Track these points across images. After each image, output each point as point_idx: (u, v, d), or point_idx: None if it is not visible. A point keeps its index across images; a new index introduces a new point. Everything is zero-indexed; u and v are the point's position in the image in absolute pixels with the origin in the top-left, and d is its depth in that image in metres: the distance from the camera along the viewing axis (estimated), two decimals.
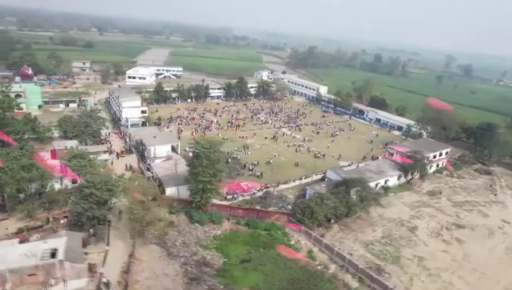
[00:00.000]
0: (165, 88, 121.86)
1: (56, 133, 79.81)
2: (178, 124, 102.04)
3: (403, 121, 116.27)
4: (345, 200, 56.24)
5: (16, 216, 50.85)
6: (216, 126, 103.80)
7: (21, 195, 52.82)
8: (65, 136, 77.36)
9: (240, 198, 62.99)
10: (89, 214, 46.00)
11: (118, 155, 74.67)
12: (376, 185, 69.35)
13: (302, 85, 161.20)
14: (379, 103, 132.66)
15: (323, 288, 44.87)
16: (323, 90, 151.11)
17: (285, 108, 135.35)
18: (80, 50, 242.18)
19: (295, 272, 47.30)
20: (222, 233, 54.92)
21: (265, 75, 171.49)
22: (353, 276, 47.00)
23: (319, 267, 48.90)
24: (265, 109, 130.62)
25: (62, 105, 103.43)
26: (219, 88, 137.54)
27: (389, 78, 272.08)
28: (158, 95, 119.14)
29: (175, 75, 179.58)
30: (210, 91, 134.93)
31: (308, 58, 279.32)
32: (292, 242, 53.55)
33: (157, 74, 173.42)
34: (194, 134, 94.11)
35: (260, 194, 64.40)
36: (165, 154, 69.78)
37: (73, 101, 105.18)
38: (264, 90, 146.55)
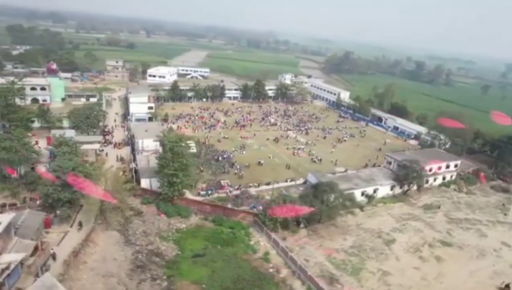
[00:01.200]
0: (181, 87, 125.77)
1: (66, 123, 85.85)
2: (186, 122, 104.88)
3: (421, 130, 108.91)
4: (312, 204, 54.02)
5: (2, 194, 55.78)
6: (221, 126, 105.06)
7: (13, 176, 57.77)
8: (73, 126, 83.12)
9: (216, 195, 63.27)
10: (54, 196, 49.06)
11: (115, 146, 78.72)
12: (363, 193, 65.82)
13: (324, 90, 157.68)
14: (399, 111, 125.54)
15: None
16: (345, 95, 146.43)
17: (301, 112, 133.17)
18: (122, 50, 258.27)
19: (245, 272, 46.41)
20: (186, 227, 55.51)
21: (288, 78, 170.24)
22: (303, 283, 45.04)
23: (271, 270, 47.51)
24: (279, 112, 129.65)
25: (83, 99, 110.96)
26: (236, 89, 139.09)
27: (429, 86, 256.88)
28: (174, 94, 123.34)
29: (202, 76, 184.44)
30: (227, 92, 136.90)
31: (342, 63, 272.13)
32: (252, 242, 52.61)
33: (184, 74, 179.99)
34: (195, 132, 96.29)
35: (237, 192, 64.10)
36: (153, 147, 72.14)
37: (94, 96, 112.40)
38: (282, 93, 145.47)
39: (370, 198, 64.73)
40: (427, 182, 76.28)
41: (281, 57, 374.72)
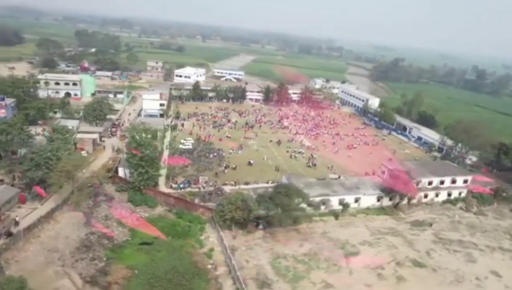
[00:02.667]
0: (203, 88, 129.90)
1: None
2: (197, 120, 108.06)
3: (446, 141, 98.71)
4: (267, 206, 52.24)
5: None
6: (230, 126, 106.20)
7: (14, 156, 65.04)
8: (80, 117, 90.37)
9: (188, 189, 64.36)
10: (29, 175, 54.25)
11: (120, 137, 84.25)
12: (340, 202, 61.83)
13: (353, 96, 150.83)
14: (427, 120, 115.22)
15: (195, 285, 43.30)
16: (373, 102, 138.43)
17: (322, 117, 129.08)
18: (171, 53, 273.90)
19: (182, 265, 46.54)
20: (149, 216, 57.32)
21: (319, 83, 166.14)
22: (234, 282, 43.87)
23: (209, 266, 47.08)
24: (298, 115, 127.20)
25: (111, 95, 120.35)
26: (258, 92, 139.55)
27: (489, 98, 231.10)
28: (195, 93, 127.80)
29: (236, 78, 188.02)
30: (249, 94, 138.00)
31: (389, 70, 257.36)
32: (202, 237, 52.60)
33: (219, 77, 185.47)
34: (202, 130, 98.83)
35: (211, 189, 64.45)
36: None
37: (121, 93, 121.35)
38: (307, 97, 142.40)
39: (345, 206, 60.52)
40: (425, 196, 69.18)
41: (330, 63, 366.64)
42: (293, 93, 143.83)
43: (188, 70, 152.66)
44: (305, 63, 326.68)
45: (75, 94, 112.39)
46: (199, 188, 64.58)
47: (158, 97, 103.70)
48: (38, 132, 67.62)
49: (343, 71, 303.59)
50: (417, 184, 67.66)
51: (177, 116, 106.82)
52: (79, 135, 74.43)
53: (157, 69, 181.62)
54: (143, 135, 56.93)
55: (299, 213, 55.51)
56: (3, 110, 69.36)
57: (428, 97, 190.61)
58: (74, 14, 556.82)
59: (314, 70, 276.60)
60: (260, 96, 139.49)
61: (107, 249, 48.29)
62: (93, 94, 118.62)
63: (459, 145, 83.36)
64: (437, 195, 70.06)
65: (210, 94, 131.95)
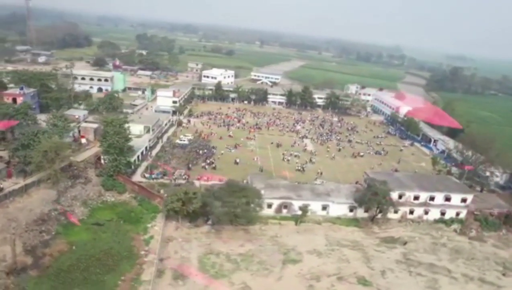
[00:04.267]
0: (224, 88, 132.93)
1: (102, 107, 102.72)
2: (209, 118, 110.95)
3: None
4: (209, 201, 51.82)
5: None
6: (239, 126, 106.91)
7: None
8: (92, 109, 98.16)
9: (160, 180, 66.63)
10: (16, 154, 61.26)
11: None
12: (304, 207, 58.54)
13: (384, 103, 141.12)
14: (456, 132, 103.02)
15: (119, 267, 44.86)
16: (405, 110, 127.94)
17: (343, 123, 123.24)
18: (220, 57, 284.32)
19: (119, 247, 48.56)
20: (115, 200, 60.72)
21: (353, 89, 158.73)
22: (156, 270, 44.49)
23: (142, 252, 48.33)
24: (316, 120, 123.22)
25: (139, 92, 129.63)
26: (281, 95, 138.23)
27: None
28: (216, 93, 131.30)
29: (272, 82, 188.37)
30: (271, 96, 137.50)
31: (446, 80, 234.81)
32: (149, 225, 54.06)
33: (255, 80, 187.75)
34: (208, 127, 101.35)
35: (181, 182, 65.95)
36: (138, 132, 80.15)
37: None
38: (332, 103, 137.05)
39: (304, 212, 57.18)
40: (411, 212, 62.23)
41: (387, 71, 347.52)
42: (318, 98, 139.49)
43: (214, 72, 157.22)
44: (357, 70, 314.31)
45: (106, 89, 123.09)
46: (171, 180, 66.51)
47: (171, 94, 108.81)
48: (44, 120, 75.66)
49: (397, 80, 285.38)
50: (400, 197, 61.35)
51: (190, 114, 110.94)
52: (83, 125, 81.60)
53: (196, 70, 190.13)
54: (115, 126, 60.54)
55: (253, 214, 54.22)
56: (21, 98, 79.31)
57: (485, 109, 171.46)
58: (148, 21, 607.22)
59: (364, 78, 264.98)
60: (282, 99, 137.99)
61: (59, 225, 52.29)
62: (123, 90, 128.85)
63: (471, 158, 72.88)
64: (426, 213, 62.53)
65: (232, 95, 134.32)
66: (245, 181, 62.83)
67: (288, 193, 59.93)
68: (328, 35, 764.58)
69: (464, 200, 62.91)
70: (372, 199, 57.05)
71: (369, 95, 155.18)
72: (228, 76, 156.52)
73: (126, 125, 64.20)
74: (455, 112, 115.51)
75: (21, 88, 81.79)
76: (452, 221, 62.74)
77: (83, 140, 78.47)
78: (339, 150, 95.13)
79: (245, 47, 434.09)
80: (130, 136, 64.61)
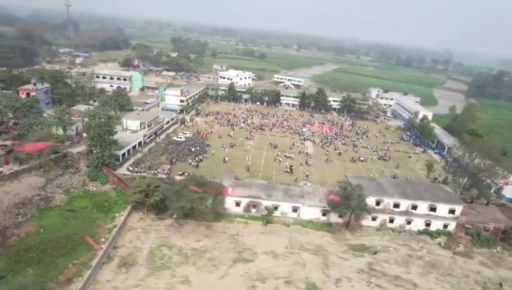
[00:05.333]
0: (237, 89, 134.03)
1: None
2: (215, 118, 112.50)
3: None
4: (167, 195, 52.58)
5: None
6: (243, 126, 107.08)
7: None
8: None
9: (143, 173, 68.70)
10: (14, 143, 66.67)
11: None
12: (271, 208, 57.24)
13: (404, 108, 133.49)
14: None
15: (75, 251, 46.80)
16: (426, 116, 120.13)
17: (356, 127, 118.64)
18: (251, 60, 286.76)
19: (82, 233, 50.18)
20: (96, 190, 63.68)
21: (374, 93, 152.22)
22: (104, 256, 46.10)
23: (102, 239, 50.18)
24: (326, 123, 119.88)
25: (157, 91, 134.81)
26: (294, 97, 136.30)
27: None
28: (229, 94, 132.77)
29: (295, 84, 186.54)
30: (285, 98, 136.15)
31: (487, 86, 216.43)
32: (117, 215, 55.89)
33: (278, 82, 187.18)
34: (210, 127, 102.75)
35: (162, 176, 67.56)
36: (134, 128, 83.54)
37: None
38: (348, 106, 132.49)
39: (269, 212, 55.78)
40: (391, 221, 58.26)
41: (428, 77, 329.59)
42: (333, 101, 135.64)
43: (230, 73, 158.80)
44: (392, 75, 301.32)
45: (124, 88, 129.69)
46: (152, 174, 68.33)
47: (178, 93, 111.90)
48: (50, 114, 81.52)
49: (435, 86, 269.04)
50: (377, 203, 57.76)
51: (198, 113, 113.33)
52: (86, 119, 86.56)
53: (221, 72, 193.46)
54: (99, 120, 63.68)
55: (215, 210, 54.31)
56: (34, 93, 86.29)
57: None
58: (191, 25, 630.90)
59: (397, 82, 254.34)
60: (296, 101, 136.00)
61: (38, 209, 55.94)
62: (141, 89, 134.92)
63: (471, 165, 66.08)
64: (409, 222, 58.18)
65: (245, 96, 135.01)
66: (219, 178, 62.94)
67: (259, 192, 58.96)
68: (371, 39, 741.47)
69: (452, 211, 57.67)
70: (342, 203, 54.28)
71: (391, 99, 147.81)
72: (245, 78, 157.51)
73: (123, 120, 67.30)
74: (475, 119, 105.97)
75: (34, 84, 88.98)
76: (438, 233, 57.75)
77: (85, 134, 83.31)
78: (339, 153, 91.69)
79: (281, 51, 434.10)
80: (115, 130, 67.52)
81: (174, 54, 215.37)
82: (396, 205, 57.77)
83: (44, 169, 64.68)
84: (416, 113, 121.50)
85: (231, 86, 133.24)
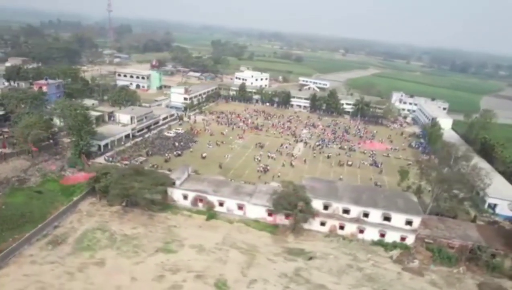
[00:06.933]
0: (248, 90, 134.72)
1: None
2: (217, 117, 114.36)
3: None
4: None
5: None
6: (241, 126, 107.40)
7: None
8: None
9: (117, 163, 72.43)
10: (10, 129, 74.56)
11: None
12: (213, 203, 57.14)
13: (424, 114, 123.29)
14: (486, 152, 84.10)
15: (25, 227, 50.89)
16: (444, 123, 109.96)
17: (364, 132, 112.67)
18: (288, 63, 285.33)
19: (40, 211, 54.78)
20: (71, 176, 68.70)
21: (396, 97, 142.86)
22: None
23: (52, 218, 54.08)
24: (331, 126, 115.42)
25: (182, 90, 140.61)
26: (306, 99, 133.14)
27: None
28: (240, 94, 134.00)
29: (319, 87, 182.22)
30: (296, 100, 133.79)
31: None
32: (75, 198, 59.41)
33: (303, 85, 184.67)
34: (207, 125, 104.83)
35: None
36: (125, 121, 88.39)
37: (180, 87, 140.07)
38: (361, 110, 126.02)
39: (210, 207, 55.46)
40: (341, 227, 54.59)
41: (484, 83, 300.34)
42: (346, 104, 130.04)
43: (246, 74, 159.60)
44: (439, 81, 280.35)
45: (143, 86, 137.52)
46: (125, 164, 71.73)
47: (183, 91, 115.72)
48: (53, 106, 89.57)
49: (486, 93, 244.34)
50: (325, 207, 54.55)
51: (201, 111, 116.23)
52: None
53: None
54: (74, 111, 68.81)
55: (159, 201, 55.97)
56: (45, 87, 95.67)
57: None
58: (239, 29, 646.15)
59: (441, 89, 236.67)
60: (307, 103, 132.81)
61: (11, 188, 61.89)
62: (158, 88, 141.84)
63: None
64: (361, 231, 54.00)
65: (256, 96, 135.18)
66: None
67: (207, 187, 59.03)
68: (431, 44, 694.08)
69: (409, 223, 52.36)
70: (279, 204, 52.26)
71: (415, 104, 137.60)
72: (261, 79, 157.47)
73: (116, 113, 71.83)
74: (488, 127, 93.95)
75: (46, 79, 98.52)
76: (394, 246, 52.85)
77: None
78: (328, 156, 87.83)
79: (325, 55, 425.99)
80: (91, 120, 72.33)
81: (205, 56, 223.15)
82: (346, 211, 54.00)
83: (32, 154, 71.47)
84: (433, 119, 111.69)
85: (242, 87, 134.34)
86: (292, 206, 52.25)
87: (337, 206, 54.00)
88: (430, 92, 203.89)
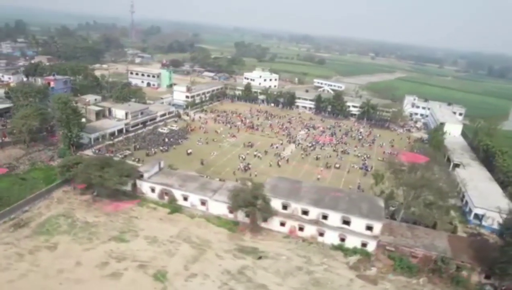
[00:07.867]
0: (253, 90, 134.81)
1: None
2: (217, 116, 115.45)
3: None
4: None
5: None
6: (238, 124, 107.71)
7: None
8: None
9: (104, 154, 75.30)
10: (11, 120, 79.86)
11: None
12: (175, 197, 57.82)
13: (434, 118, 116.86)
14: (488, 157, 78.22)
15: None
16: (453, 129, 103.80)
17: (367, 135, 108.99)
18: (310, 65, 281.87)
19: (12, 196, 57.72)
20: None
21: (408, 101, 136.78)
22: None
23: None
24: (332, 128, 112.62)
25: (184, 88, 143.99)
26: (311, 100, 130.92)
27: None
28: (245, 94, 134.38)
29: (333, 89, 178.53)
30: (301, 101, 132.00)
31: None
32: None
33: (318, 87, 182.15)
34: (204, 123, 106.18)
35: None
36: (120, 116, 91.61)
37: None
38: (367, 113, 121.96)
39: (172, 200, 56.09)
40: (301, 229, 53.15)
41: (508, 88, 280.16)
42: (353, 106, 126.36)
43: (254, 74, 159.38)
44: (470, 86, 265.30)
45: (153, 85, 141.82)
46: (112, 156, 74.26)
47: (184, 90, 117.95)
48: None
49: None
50: (284, 207, 53.41)
51: (202, 110, 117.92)
52: (88, 107, 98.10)
53: None
54: (62, 104, 72.26)
55: (122, 191, 57.87)
56: (53, 83, 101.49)
57: None
58: (270, 32, 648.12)
59: (470, 94, 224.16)
60: (312, 104, 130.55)
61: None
62: (168, 86, 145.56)
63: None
64: (321, 234, 52.28)
65: (262, 97, 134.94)
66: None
67: (174, 181, 59.81)
68: (469, 49, 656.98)
69: (369, 228, 49.96)
70: (235, 201, 51.84)
71: (428, 109, 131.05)
72: (270, 80, 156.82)
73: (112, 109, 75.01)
74: (492, 134, 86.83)
75: (53, 75, 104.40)
76: (355, 251, 50.69)
77: (83, 120, 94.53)
78: (317, 158, 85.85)
79: (353, 58, 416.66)
80: (81, 113, 75.80)
81: (224, 56, 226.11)
82: (305, 212, 52.49)
83: (27, 144, 76.16)
84: (439, 125, 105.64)
85: (247, 87, 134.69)
86: (249, 203, 51.65)
87: (296, 207, 52.68)
88: (457, 97, 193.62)
